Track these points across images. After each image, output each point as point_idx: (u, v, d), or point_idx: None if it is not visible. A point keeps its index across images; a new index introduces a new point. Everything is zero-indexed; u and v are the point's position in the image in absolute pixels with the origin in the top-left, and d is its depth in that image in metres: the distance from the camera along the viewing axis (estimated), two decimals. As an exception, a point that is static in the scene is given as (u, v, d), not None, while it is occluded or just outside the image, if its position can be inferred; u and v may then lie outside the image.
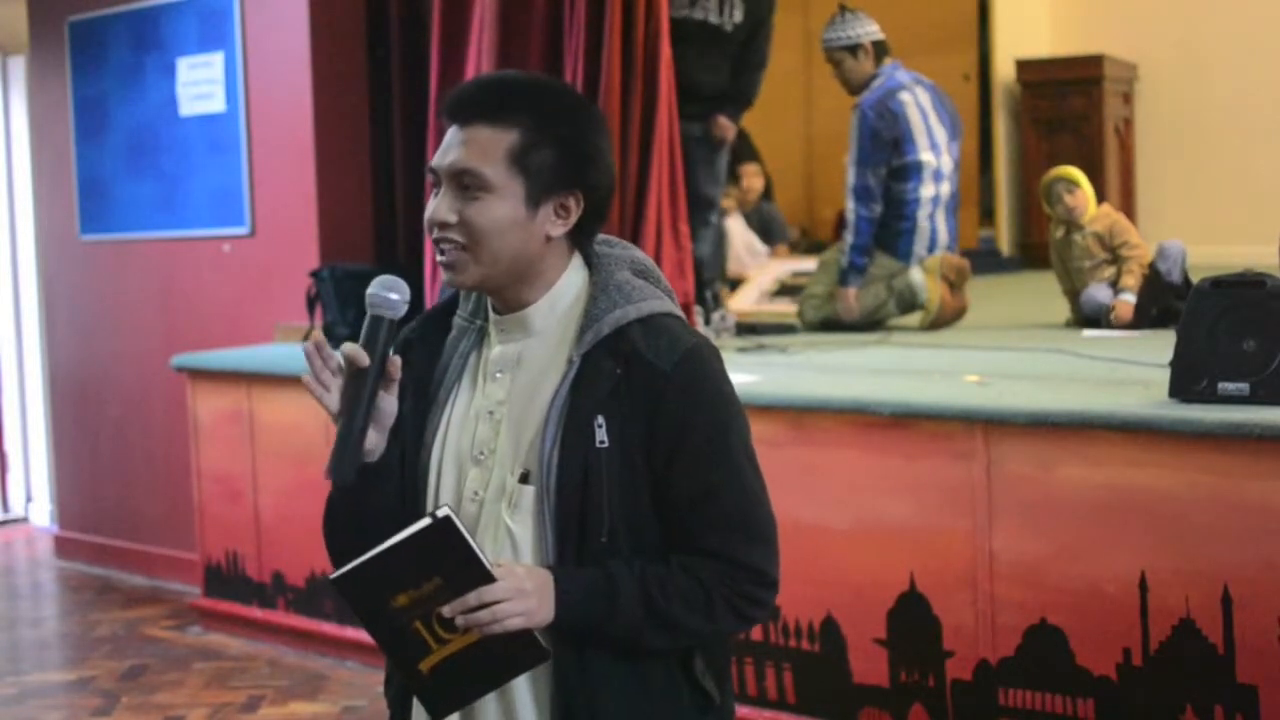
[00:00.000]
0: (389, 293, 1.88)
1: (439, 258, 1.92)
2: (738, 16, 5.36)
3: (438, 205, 1.91)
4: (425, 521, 1.75)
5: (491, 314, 1.99)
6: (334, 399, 1.88)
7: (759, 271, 6.46)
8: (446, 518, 1.74)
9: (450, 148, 1.92)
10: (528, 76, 2.03)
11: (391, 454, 1.93)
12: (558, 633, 1.84)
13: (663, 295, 1.98)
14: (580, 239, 1.98)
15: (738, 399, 1.97)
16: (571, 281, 1.97)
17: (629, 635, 1.87)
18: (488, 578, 1.77)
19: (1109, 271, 5.14)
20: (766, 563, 1.93)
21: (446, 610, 1.77)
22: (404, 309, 1.90)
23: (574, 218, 1.94)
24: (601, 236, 2.02)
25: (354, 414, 1.86)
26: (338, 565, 1.95)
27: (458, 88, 1.98)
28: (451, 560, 1.76)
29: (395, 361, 1.89)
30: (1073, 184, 5.22)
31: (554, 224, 1.93)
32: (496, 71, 1.97)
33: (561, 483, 1.87)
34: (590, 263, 1.99)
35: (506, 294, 1.95)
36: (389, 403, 1.90)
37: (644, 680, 1.91)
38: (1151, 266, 5.05)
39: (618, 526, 1.88)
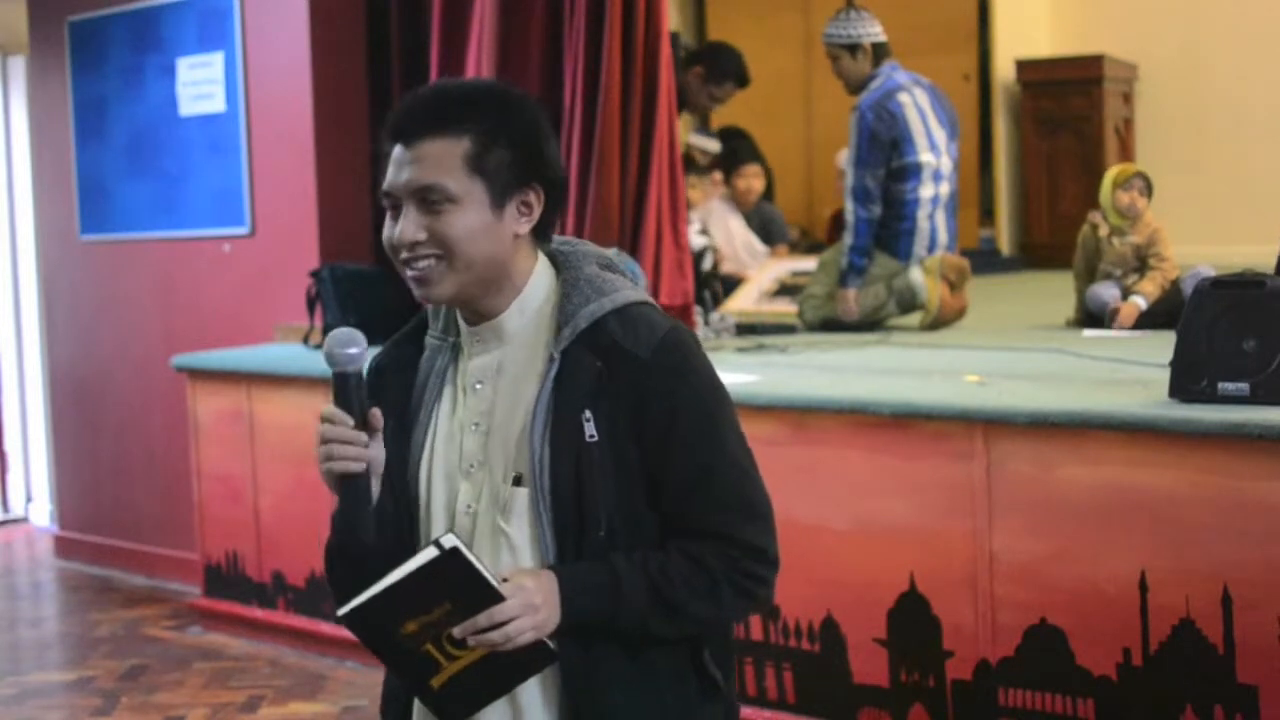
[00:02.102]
0: (347, 349, 1.86)
1: (409, 273, 1.91)
2: None
3: (404, 226, 1.89)
4: (432, 553, 1.74)
5: (464, 327, 1.99)
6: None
7: (759, 271, 6.45)
8: (454, 549, 1.73)
9: (402, 167, 1.90)
10: (462, 83, 2.04)
11: (386, 498, 1.93)
12: (564, 630, 1.84)
13: (633, 285, 1.99)
14: (541, 236, 1.98)
15: (719, 377, 1.97)
16: (539, 282, 1.97)
17: (636, 626, 1.88)
18: (497, 597, 1.76)
19: (1132, 279, 5.09)
20: (765, 539, 1.94)
21: (457, 632, 1.77)
22: (365, 359, 1.89)
23: (537, 212, 1.94)
24: (559, 238, 2.03)
25: (354, 477, 1.86)
26: (343, 603, 1.96)
27: (396, 107, 1.98)
28: (460, 586, 1.75)
29: (376, 414, 1.88)
30: (1149, 186, 5.09)
31: (519, 222, 1.93)
32: (432, 84, 1.96)
33: (555, 481, 1.87)
34: (555, 261, 1.99)
35: (479, 303, 1.94)
36: (378, 450, 1.89)
37: (652, 671, 1.92)
38: (1176, 286, 4.96)
39: (614, 519, 1.88)
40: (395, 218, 1.91)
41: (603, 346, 1.90)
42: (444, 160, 1.88)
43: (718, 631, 2.00)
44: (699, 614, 1.90)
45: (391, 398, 1.96)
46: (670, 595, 1.87)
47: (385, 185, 1.92)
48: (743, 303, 6.18)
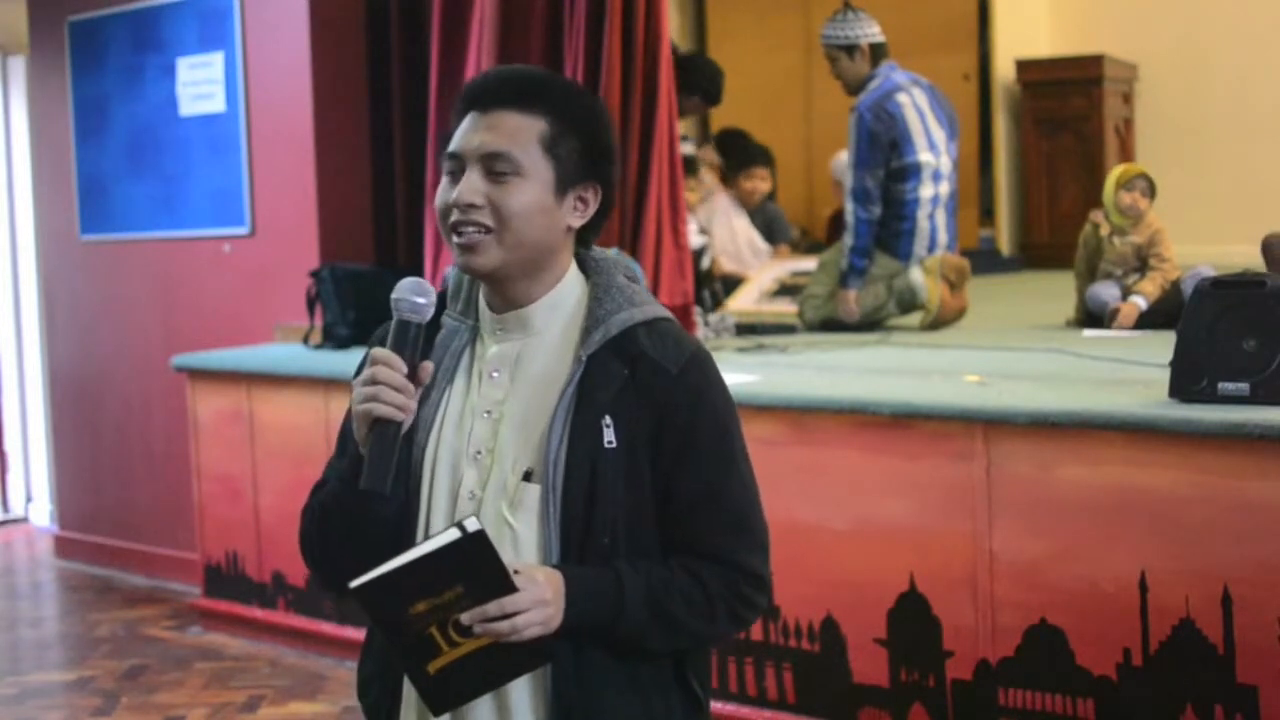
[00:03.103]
0: (417, 297, 1.86)
1: (456, 240, 1.90)
2: None
3: (463, 188, 1.89)
4: (454, 534, 1.74)
5: (486, 313, 1.98)
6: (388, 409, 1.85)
7: (759, 271, 6.46)
8: (480, 532, 1.73)
9: (476, 131, 1.91)
10: (544, 70, 2.05)
11: (404, 457, 1.92)
12: (562, 632, 1.84)
13: (656, 300, 2.01)
14: (581, 240, 1.99)
15: (734, 403, 1.99)
16: (573, 282, 1.98)
17: (633, 637, 1.88)
18: (510, 588, 1.76)
19: (1133, 279, 5.09)
20: (763, 566, 1.96)
21: (465, 618, 1.76)
22: (431, 312, 1.88)
23: (590, 211, 1.96)
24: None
25: (388, 424, 1.84)
26: (322, 568, 1.95)
27: (478, 77, 1.99)
28: (476, 571, 1.75)
29: (427, 367, 1.88)
30: (1151, 187, 5.09)
31: (574, 215, 1.95)
32: (511, 65, 1.98)
33: (569, 482, 1.87)
34: (585, 266, 2.00)
35: (514, 287, 1.94)
36: (414, 406, 1.88)
37: (639, 681, 1.92)
38: (1176, 286, 4.95)
39: (619, 528, 1.88)
40: (455, 182, 1.91)
41: (631, 355, 1.90)
42: (520, 133, 1.89)
43: (702, 650, 2.01)
44: (695, 631, 1.91)
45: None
46: (670, 610, 1.87)
47: (453, 147, 1.92)
48: (743, 303, 6.19)
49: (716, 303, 5.80)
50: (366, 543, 1.84)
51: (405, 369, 1.85)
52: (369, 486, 1.85)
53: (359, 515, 1.91)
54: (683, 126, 6.54)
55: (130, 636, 5.58)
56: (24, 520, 7.85)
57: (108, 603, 6.10)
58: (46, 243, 6.98)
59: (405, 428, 1.88)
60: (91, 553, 6.69)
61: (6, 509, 7.96)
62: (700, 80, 6.37)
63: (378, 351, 1.86)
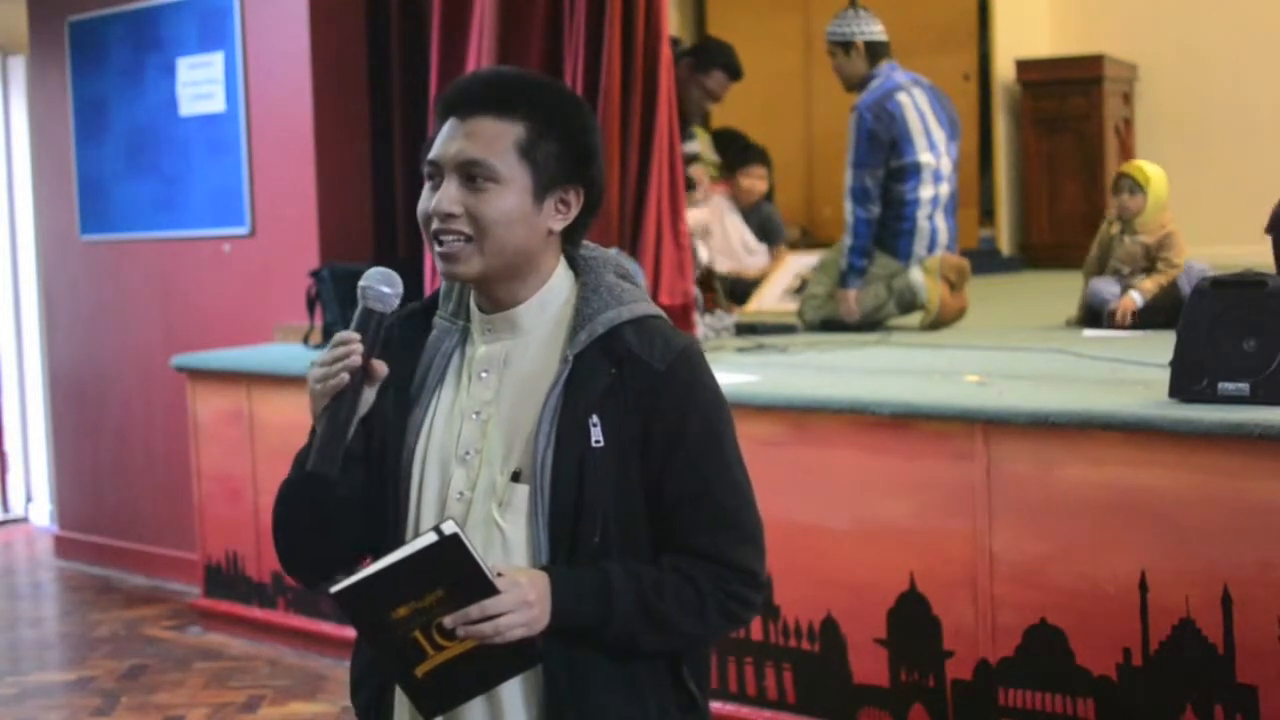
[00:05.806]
0: (383, 286, 1.87)
1: (437, 249, 1.91)
2: None
3: (441, 197, 1.90)
4: (431, 538, 1.74)
5: (476, 313, 1.98)
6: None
7: (775, 269, 6.50)
8: (455, 535, 1.73)
9: (453, 139, 1.91)
10: (524, 72, 2.05)
11: (358, 443, 1.93)
12: (550, 633, 1.84)
13: (647, 298, 2.00)
14: (569, 240, 1.98)
15: (725, 399, 1.98)
16: (561, 282, 1.97)
17: (623, 637, 1.87)
18: (491, 590, 1.76)
19: (1139, 279, 5.08)
20: (756, 563, 1.94)
21: (448, 621, 1.76)
22: (396, 303, 1.88)
23: (573, 213, 1.95)
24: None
25: (339, 406, 1.85)
26: (286, 557, 1.96)
27: (455, 82, 1.98)
28: (455, 574, 1.75)
29: (380, 365, 1.88)
30: (1137, 186, 5.10)
31: (555, 218, 1.94)
32: (492, 67, 1.97)
33: (556, 482, 1.87)
34: (575, 264, 1.99)
35: (500, 290, 1.94)
36: (368, 394, 1.89)
37: (632, 681, 1.91)
38: (1175, 285, 4.95)
39: (610, 526, 1.88)
40: (435, 189, 1.91)
41: (617, 354, 1.90)
42: (496, 140, 1.89)
43: (697, 648, 2.00)
44: (686, 630, 1.91)
45: (394, 374, 1.95)
46: (660, 610, 1.87)
47: (431, 155, 1.92)
48: (766, 301, 6.22)
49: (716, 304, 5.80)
50: (331, 529, 1.85)
51: (362, 347, 1.85)
52: (317, 469, 1.86)
53: (314, 500, 1.92)
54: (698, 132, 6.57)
55: (130, 636, 5.58)
56: (24, 520, 7.85)
57: (108, 603, 6.10)
58: (46, 243, 6.98)
59: (361, 412, 1.88)
60: (91, 553, 6.69)
61: (6, 509, 7.96)
62: (716, 55, 6.37)
63: (339, 334, 1.87)
